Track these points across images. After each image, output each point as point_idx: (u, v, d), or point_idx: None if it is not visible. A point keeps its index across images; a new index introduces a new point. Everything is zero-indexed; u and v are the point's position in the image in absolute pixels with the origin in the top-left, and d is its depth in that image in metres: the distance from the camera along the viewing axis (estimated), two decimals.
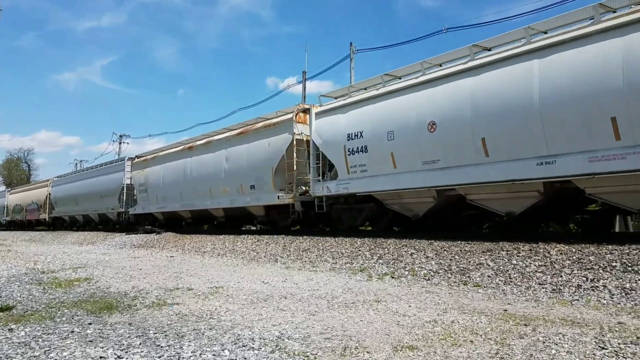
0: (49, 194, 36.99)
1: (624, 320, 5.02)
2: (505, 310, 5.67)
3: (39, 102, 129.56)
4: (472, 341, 4.30)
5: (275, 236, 14.85)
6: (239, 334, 4.68)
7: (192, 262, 12.28)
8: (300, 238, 13.71)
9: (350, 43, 29.26)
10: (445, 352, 3.98)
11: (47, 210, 37.08)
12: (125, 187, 25.93)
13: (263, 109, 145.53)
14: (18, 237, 32.05)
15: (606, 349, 3.88)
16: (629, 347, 3.92)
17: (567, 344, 4.08)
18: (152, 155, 24.59)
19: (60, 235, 28.92)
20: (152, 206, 23.44)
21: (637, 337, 4.20)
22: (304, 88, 28.44)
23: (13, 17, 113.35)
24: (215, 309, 6.04)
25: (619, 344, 4.01)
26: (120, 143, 61.83)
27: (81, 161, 70.60)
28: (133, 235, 21.56)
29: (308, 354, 4.03)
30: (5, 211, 47.69)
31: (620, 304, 5.85)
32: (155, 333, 4.82)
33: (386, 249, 10.64)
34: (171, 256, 14.35)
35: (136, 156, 26.54)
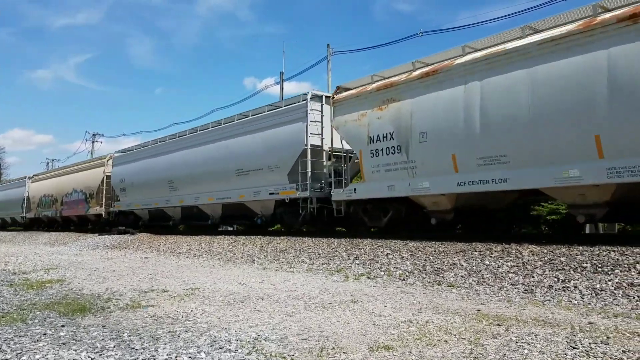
0: (107, 177, 25.76)
1: (594, 320, 5.16)
2: (479, 310, 5.77)
3: (12, 100, 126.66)
4: (446, 341, 4.37)
5: (252, 237, 14.81)
6: (215, 336, 4.67)
7: (167, 264, 12.16)
8: (278, 239, 13.69)
9: (328, 45, 29.47)
10: (420, 352, 4.04)
11: (102, 202, 25.88)
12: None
13: (240, 109, 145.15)
14: None
15: (577, 349, 3.99)
16: (599, 346, 4.03)
17: (540, 343, 4.18)
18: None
19: (32, 236, 28.30)
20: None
21: (607, 337, 4.32)
22: (282, 88, 28.46)
23: None
24: (191, 310, 6.00)
25: (589, 343, 4.12)
26: (93, 142, 60.81)
27: (53, 160, 69.17)
28: (106, 235, 21.23)
29: (285, 355, 4.04)
30: (25, 205, 36.09)
31: (590, 304, 6.00)
32: (130, 335, 4.77)
33: (362, 250, 10.71)
34: (146, 257, 14.18)
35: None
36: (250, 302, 6.49)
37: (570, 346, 4.06)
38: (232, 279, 8.84)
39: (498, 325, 4.92)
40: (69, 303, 6.62)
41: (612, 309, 5.74)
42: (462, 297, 6.73)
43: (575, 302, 6.14)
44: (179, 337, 4.69)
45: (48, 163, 69.21)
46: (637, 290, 6.11)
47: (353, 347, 4.24)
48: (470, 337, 4.47)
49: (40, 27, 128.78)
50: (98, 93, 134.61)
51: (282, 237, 13.75)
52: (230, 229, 22.81)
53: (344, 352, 4.08)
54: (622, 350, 3.89)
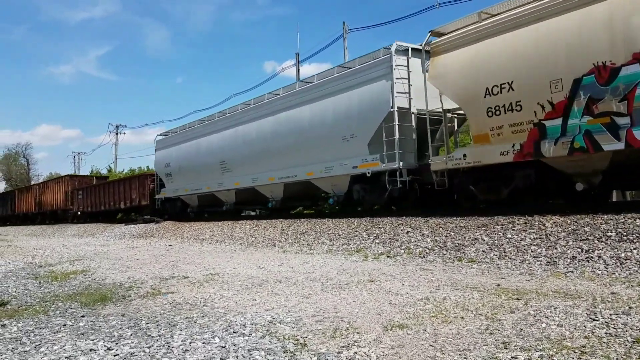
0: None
1: (617, 290, 5.01)
2: (498, 284, 5.66)
3: (37, 96, 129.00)
4: (462, 317, 4.28)
5: (273, 220, 14.85)
6: (231, 321, 4.67)
7: (190, 250, 12.29)
8: (298, 221, 13.70)
9: (343, 22, 28.89)
10: (435, 329, 3.97)
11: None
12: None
13: (259, 92, 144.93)
14: (19, 232, 32.16)
15: (597, 320, 3.87)
16: (620, 317, 3.90)
17: (558, 316, 4.06)
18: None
19: (61, 229, 28.98)
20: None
21: (629, 307, 4.18)
22: (298, 70, 28.24)
23: (2, 11, 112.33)
24: (210, 296, 6.04)
25: (610, 315, 3.99)
26: (117, 133, 61.59)
27: (79, 153, 70.41)
28: (132, 225, 21.59)
29: (298, 337, 4.01)
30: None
31: (614, 274, 5.83)
32: (148, 323, 4.81)
33: (382, 229, 10.62)
34: (170, 245, 14.37)
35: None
36: (268, 286, 6.49)
37: (590, 318, 3.94)
38: (252, 263, 8.88)
39: (517, 299, 4.81)
40: (91, 293, 6.72)
41: (637, 277, 5.56)
42: (482, 272, 6.62)
43: (599, 272, 5.97)
44: (195, 322, 4.71)
45: (74, 157, 70.51)
46: None
47: (367, 327, 4.19)
48: (488, 312, 4.38)
49: (58, 22, 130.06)
50: (119, 84, 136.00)
51: (302, 220, 13.74)
52: (252, 213, 22.72)
53: (357, 333, 4.04)
54: None
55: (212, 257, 10.34)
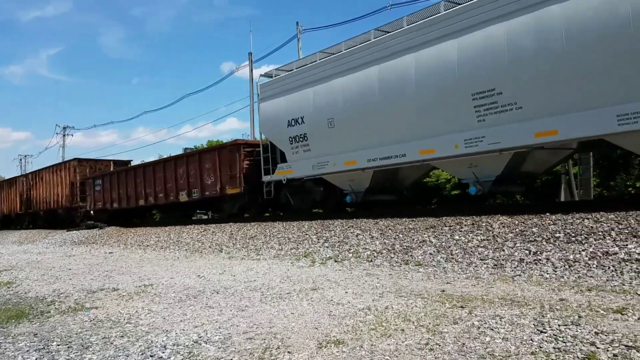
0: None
1: (566, 296, 4.82)
2: (443, 290, 5.41)
3: None
4: (403, 330, 3.98)
5: (222, 225, 14.31)
6: (152, 341, 4.21)
7: (130, 258, 11.64)
8: (248, 225, 13.23)
9: (297, 22, 28.47)
10: (372, 345, 3.64)
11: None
12: None
13: (213, 93, 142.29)
14: None
15: (545, 333, 3.62)
16: (569, 328, 3.67)
17: (504, 328, 3.81)
18: None
19: (3, 235, 27.35)
20: None
21: (579, 317, 3.97)
22: (251, 70, 27.63)
23: None
24: (136, 311, 5.54)
25: (559, 325, 3.76)
26: (64, 135, 59.02)
27: (25, 156, 67.29)
28: (74, 231, 20.53)
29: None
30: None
31: (563, 277, 5.68)
32: (59, 345, 4.30)
33: (333, 232, 10.31)
34: (110, 252, 13.63)
35: None
36: (203, 297, 6.04)
37: (538, 330, 3.70)
38: (192, 271, 8.38)
39: (461, 307, 4.55)
40: (9, 309, 6.11)
41: (586, 281, 5.42)
42: (428, 277, 6.37)
43: (547, 275, 5.81)
44: (111, 344, 4.23)
45: (21, 159, 67.31)
46: (612, 260, 5.80)
47: (301, 344, 3.83)
48: (429, 323, 4.09)
49: (9, 20, 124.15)
50: (71, 86, 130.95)
51: (252, 223, 13.27)
52: (204, 217, 21.91)
53: (289, 352, 3.67)
54: (595, 332, 3.53)
55: (152, 265, 9.76)
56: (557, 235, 6.86)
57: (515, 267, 6.27)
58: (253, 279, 7.05)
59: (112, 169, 23.27)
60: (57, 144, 65.45)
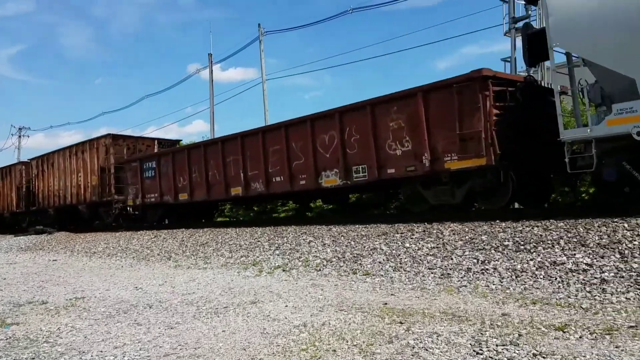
0: None
1: (509, 310, 4.65)
2: (386, 303, 5.18)
3: None
4: (334, 350, 3.71)
5: (174, 230, 13.82)
6: None
7: (73, 266, 11.07)
8: (200, 231, 12.78)
9: (259, 24, 27.70)
10: None
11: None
12: None
13: (173, 94, 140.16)
14: None
15: (481, 354, 3.41)
16: (507, 349, 3.46)
17: (439, 348, 3.58)
18: None
19: None
20: None
21: (519, 335, 3.77)
22: (211, 71, 27.06)
23: None
24: (59, 328, 5.12)
25: (496, 345, 3.55)
26: (20, 136, 56.73)
27: None
28: (22, 236, 19.60)
29: None
30: None
31: (509, 288, 5.52)
32: None
33: (285, 238, 10.00)
34: (54, 260, 12.97)
35: None
36: (134, 313, 5.65)
37: (474, 351, 3.48)
38: (132, 282, 7.94)
39: (400, 323, 4.31)
40: None
41: (531, 293, 5.27)
42: (374, 288, 6.14)
43: (493, 286, 5.65)
44: None
45: None
46: (559, 270, 5.68)
47: None
48: (364, 342, 3.83)
49: None
50: (33, 86, 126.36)
51: (205, 229, 12.84)
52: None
53: None
54: (533, 354, 3.33)
55: (92, 275, 9.26)
56: (506, 243, 6.74)
57: (462, 277, 6.10)
58: (192, 291, 6.68)
59: (156, 150, 17.89)
60: (13, 146, 62.87)
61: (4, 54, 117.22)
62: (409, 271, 6.70)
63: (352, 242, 8.56)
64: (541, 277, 5.67)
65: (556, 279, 5.53)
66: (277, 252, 9.27)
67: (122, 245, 13.49)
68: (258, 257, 9.24)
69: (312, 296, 5.84)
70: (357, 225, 9.55)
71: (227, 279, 7.53)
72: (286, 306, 5.39)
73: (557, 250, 6.20)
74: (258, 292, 6.32)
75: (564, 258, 5.93)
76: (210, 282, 7.34)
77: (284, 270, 7.90)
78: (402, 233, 8.29)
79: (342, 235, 9.13)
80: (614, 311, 4.32)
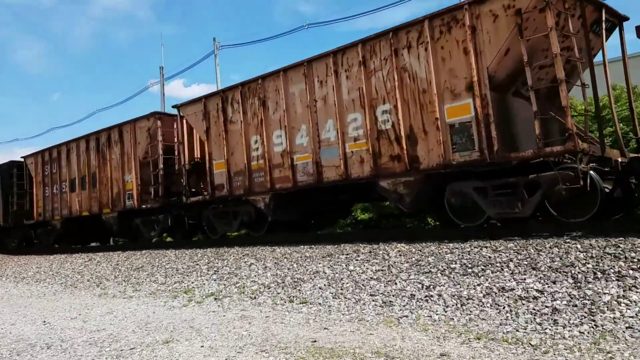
0: None
1: (449, 348, 4.09)
2: (315, 341, 4.54)
3: None
4: None
5: (111, 253, 12.84)
6: None
7: None
8: (138, 253, 11.88)
9: (214, 38, 27.09)
10: None
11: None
12: None
13: (126, 108, 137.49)
14: None
15: None
16: None
17: None
18: None
19: None
20: None
21: None
22: (162, 85, 26.18)
23: None
24: None
25: None
26: None
27: None
28: None
29: None
30: None
31: (453, 319, 4.97)
32: None
33: (226, 261, 9.27)
34: None
35: None
36: (27, 355, 4.84)
37: None
38: (44, 314, 7.06)
39: None
40: None
41: (477, 325, 4.73)
42: (307, 320, 5.49)
43: (437, 317, 5.09)
44: None
45: None
46: (508, 297, 5.17)
47: None
48: None
49: None
50: None
51: (143, 252, 11.95)
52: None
53: None
54: None
55: (2, 305, 8.29)
56: (453, 266, 6.22)
57: (404, 306, 5.53)
58: (103, 327, 5.88)
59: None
60: None
61: None
62: (349, 298, 6.08)
63: (295, 265, 7.91)
64: (488, 305, 5.15)
65: (504, 307, 5.01)
66: (215, 276, 8.53)
67: (54, 270, 12.43)
68: (193, 282, 8.48)
69: (236, 332, 5.14)
70: (302, 246, 8.93)
71: (149, 311, 6.75)
72: (202, 346, 4.68)
73: (506, 274, 5.71)
74: (177, 327, 5.58)
75: (513, 283, 5.43)
76: (128, 316, 6.54)
77: (215, 299, 7.17)
78: (347, 254, 7.70)
79: (285, 257, 8.47)
80: (565, 349, 3.80)
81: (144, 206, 12.91)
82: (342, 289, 6.42)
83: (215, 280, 8.34)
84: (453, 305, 5.29)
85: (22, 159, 17.74)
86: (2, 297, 9.46)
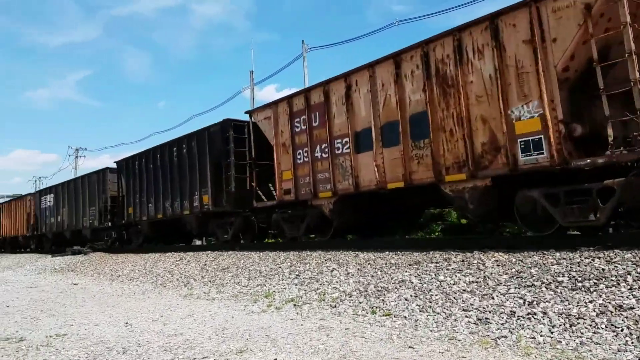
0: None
1: None
2: None
3: (14, 121, 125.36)
4: None
5: (200, 253, 13.07)
6: None
7: (89, 291, 10.47)
8: (225, 254, 11.96)
9: (302, 41, 27.15)
10: None
11: None
12: None
13: (219, 113, 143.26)
14: None
15: None
16: None
17: None
18: None
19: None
20: None
21: None
22: (252, 88, 26.67)
23: None
24: None
25: None
26: (76, 157, 58.79)
27: (40, 177, 67.40)
28: (59, 257, 19.50)
29: None
30: None
31: (561, 342, 4.26)
32: None
33: (308, 264, 8.98)
34: (75, 283, 12.48)
35: None
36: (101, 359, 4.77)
37: None
38: (128, 315, 7.11)
39: None
40: None
41: (590, 350, 4.00)
42: (390, 335, 4.98)
43: (541, 338, 4.39)
44: None
45: (35, 181, 67.36)
46: (626, 318, 4.37)
47: None
48: None
49: (37, 46, 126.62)
50: (97, 109, 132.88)
51: (229, 253, 12.01)
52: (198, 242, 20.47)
53: None
54: None
55: (92, 304, 8.53)
56: (560, 279, 5.44)
57: (502, 324, 4.86)
58: (181, 332, 5.74)
59: None
60: (70, 166, 65.23)
61: (72, 79, 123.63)
62: (438, 313, 5.49)
63: (379, 272, 7.43)
64: (603, 326, 4.37)
65: (622, 329, 4.23)
66: (296, 281, 8.25)
67: (147, 269, 12.84)
68: (274, 286, 8.25)
69: (312, 345, 4.76)
70: (388, 252, 8.42)
71: (228, 316, 6.56)
72: (275, 359, 4.35)
73: (623, 289, 4.87)
74: (253, 335, 5.30)
75: (633, 300, 4.60)
76: (207, 319, 6.39)
77: (295, 305, 6.86)
78: (437, 263, 7.09)
79: (369, 263, 8.01)
80: None
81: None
82: (430, 302, 5.84)
83: (296, 285, 8.05)
84: (561, 326, 4.55)
85: (246, 116, 12.68)
86: (94, 296, 9.81)
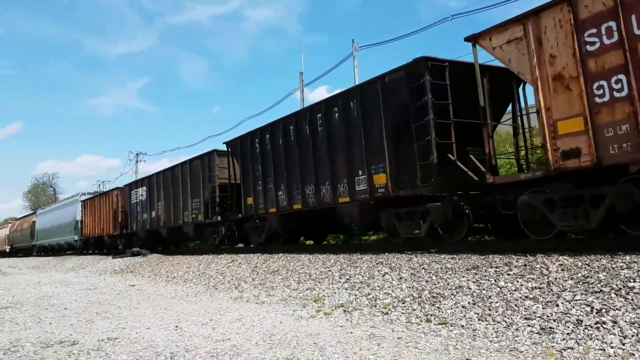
0: None
1: None
2: None
3: (79, 127, 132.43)
4: None
5: (251, 255, 13.09)
6: None
7: (144, 293, 10.66)
8: (275, 257, 11.90)
9: (352, 40, 26.97)
10: None
11: None
12: None
13: (269, 115, 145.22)
14: (28, 264, 31.07)
15: None
16: None
17: None
18: None
19: (62, 261, 27.73)
20: None
21: None
22: (302, 90, 26.67)
23: (44, 46, 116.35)
24: None
25: None
26: (137, 162, 60.98)
27: (103, 182, 70.38)
28: (119, 258, 20.12)
29: None
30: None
31: (634, 355, 3.84)
32: None
33: (359, 268, 8.75)
34: (132, 285, 12.77)
35: None
36: None
37: None
38: (178, 318, 7.11)
39: None
40: None
41: None
42: (446, 346, 4.67)
43: (611, 350, 3.98)
44: None
45: (99, 185, 70.43)
46: None
47: None
48: None
49: (98, 56, 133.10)
50: (155, 115, 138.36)
51: (279, 255, 11.94)
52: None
53: None
54: None
55: (146, 306, 8.63)
56: (632, 284, 4.96)
57: (568, 334, 4.46)
58: (229, 337, 5.64)
59: None
60: (131, 170, 67.70)
61: (133, 87, 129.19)
62: (498, 321, 5.13)
63: (434, 277, 7.10)
64: None
65: None
66: (346, 285, 8.04)
67: (200, 270, 12.98)
68: (324, 290, 8.07)
69: (362, 355, 4.53)
70: (444, 256, 8.07)
71: (277, 321, 6.42)
72: None
73: None
74: (300, 343, 5.12)
75: None
76: (256, 324, 6.27)
77: (345, 311, 6.64)
78: (496, 267, 6.69)
79: (423, 268, 7.69)
80: None
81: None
82: (489, 309, 5.48)
83: (346, 289, 7.84)
84: (633, 336, 4.12)
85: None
86: (149, 297, 9.95)
